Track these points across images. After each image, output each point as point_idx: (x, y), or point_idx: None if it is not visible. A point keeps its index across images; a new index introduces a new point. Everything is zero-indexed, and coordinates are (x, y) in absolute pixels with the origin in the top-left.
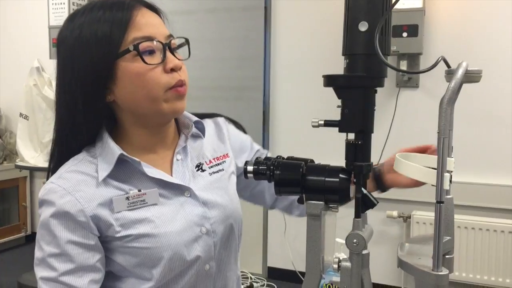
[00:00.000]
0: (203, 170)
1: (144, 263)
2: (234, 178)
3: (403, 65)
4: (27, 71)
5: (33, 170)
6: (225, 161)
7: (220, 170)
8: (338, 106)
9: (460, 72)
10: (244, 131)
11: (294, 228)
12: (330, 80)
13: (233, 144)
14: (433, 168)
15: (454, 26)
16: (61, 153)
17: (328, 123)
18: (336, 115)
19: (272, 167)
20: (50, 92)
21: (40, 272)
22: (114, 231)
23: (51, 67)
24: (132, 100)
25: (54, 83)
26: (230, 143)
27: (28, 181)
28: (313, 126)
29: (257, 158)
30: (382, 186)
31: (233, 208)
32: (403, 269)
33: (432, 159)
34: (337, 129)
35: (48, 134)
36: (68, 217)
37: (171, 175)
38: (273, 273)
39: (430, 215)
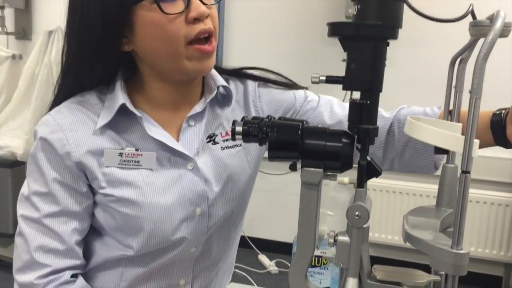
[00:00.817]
0: (215, 143)
1: (123, 229)
2: (255, 156)
3: None
4: None
5: None
6: None
7: (236, 146)
8: (344, 60)
9: (499, 23)
10: (293, 86)
11: None
12: (335, 29)
13: (269, 112)
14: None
15: None
16: (71, 87)
17: (330, 79)
18: (295, 76)
19: (265, 128)
20: None
21: (22, 209)
22: (99, 185)
23: None
24: (151, 53)
25: None
26: (263, 112)
27: None
28: (313, 82)
29: (243, 118)
30: (502, 139)
31: (240, 192)
32: (414, 245)
33: (443, 125)
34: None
35: None
36: (56, 156)
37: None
38: None
39: (379, 181)
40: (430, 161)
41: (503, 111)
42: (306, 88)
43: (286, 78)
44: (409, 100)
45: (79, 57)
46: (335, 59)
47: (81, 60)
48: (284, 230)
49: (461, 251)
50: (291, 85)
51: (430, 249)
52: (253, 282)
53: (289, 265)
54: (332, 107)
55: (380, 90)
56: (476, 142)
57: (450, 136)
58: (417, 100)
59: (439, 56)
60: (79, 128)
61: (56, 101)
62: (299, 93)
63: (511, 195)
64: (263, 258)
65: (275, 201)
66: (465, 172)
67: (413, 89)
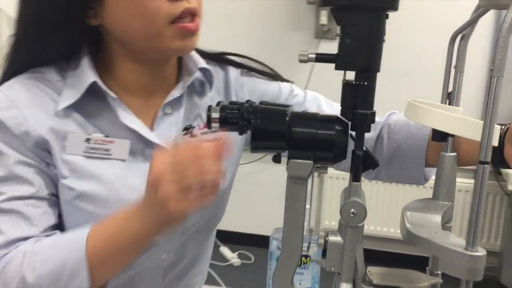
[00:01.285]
0: (192, 136)
1: None
2: (236, 152)
3: (324, 15)
4: None
5: None
6: None
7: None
8: (337, 35)
9: None
10: (277, 78)
11: None
12: None
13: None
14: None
15: None
16: (24, 61)
17: (321, 58)
18: (265, 60)
19: (246, 115)
20: None
21: None
22: (59, 173)
23: None
24: (125, 31)
25: None
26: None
27: None
28: (301, 61)
29: (219, 102)
30: (498, 158)
31: (220, 193)
32: (419, 245)
33: (443, 109)
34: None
35: None
36: (12, 136)
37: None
38: None
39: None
40: (420, 171)
41: (502, 127)
42: (292, 82)
43: (270, 68)
44: (401, 87)
45: (36, 26)
46: (300, 47)
47: (39, 29)
48: (247, 221)
49: (477, 253)
50: (275, 77)
51: (441, 251)
52: (214, 275)
53: (252, 256)
54: (319, 104)
55: (378, 70)
56: (497, 128)
57: (465, 122)
58: (410, 88)
59: (432, 38)
60: (37, 105)
61: (5, 77)
62: (285, 85)
63: (467, 180)
64: (225, 250)
65: (236, 191)
66: (484, 162)
67: (403, 76)
